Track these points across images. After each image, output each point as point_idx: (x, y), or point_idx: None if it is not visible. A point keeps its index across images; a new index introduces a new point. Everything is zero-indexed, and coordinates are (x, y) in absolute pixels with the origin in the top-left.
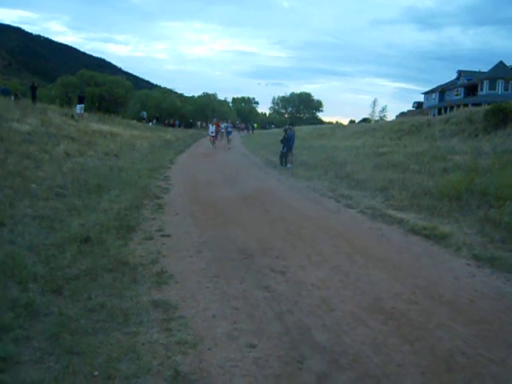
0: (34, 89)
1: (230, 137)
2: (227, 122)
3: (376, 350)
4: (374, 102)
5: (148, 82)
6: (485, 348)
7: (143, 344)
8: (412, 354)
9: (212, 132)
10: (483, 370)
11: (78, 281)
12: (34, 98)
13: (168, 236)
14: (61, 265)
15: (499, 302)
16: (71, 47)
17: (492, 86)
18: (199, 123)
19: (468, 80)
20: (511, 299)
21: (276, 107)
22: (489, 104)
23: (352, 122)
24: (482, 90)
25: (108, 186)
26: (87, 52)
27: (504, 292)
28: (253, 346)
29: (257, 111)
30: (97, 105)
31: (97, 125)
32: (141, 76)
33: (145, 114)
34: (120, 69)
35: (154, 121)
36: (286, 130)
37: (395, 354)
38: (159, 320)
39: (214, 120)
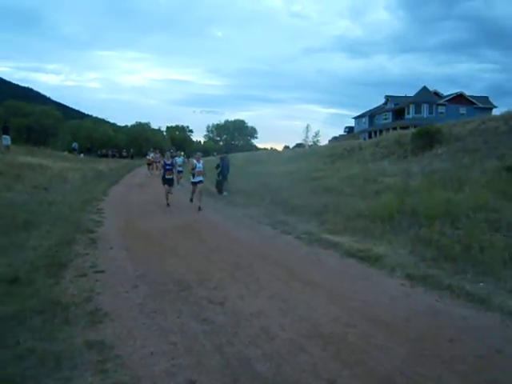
0: None
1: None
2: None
3: (317, 377)
4: (307, 128)
5: (79, 111)
6: (421, 366)
7: None
8: (352, 378)
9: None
10: None
11: (4, 325)
12: None
13: (102, 272)
14: None
15: (433, 319)
16: None
17: (417, 110)
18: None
19: (395, 104)
20: (444, 316)
21: (211, 135)
22: (415, 127)
23: (286, 147)
24: (408, 113)
25: (38, 221)
26: (14, 81)
27: (437, 309)
28: (193, 382)
29: (191, 139)
30: (25, 136)
31: (25, 157)
32: (72, 106)
33: (76, 145)
34: (49, 98)
35: (85, 152)
36: (222, 159)
37: (336, 379)
38: (94, 362)
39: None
